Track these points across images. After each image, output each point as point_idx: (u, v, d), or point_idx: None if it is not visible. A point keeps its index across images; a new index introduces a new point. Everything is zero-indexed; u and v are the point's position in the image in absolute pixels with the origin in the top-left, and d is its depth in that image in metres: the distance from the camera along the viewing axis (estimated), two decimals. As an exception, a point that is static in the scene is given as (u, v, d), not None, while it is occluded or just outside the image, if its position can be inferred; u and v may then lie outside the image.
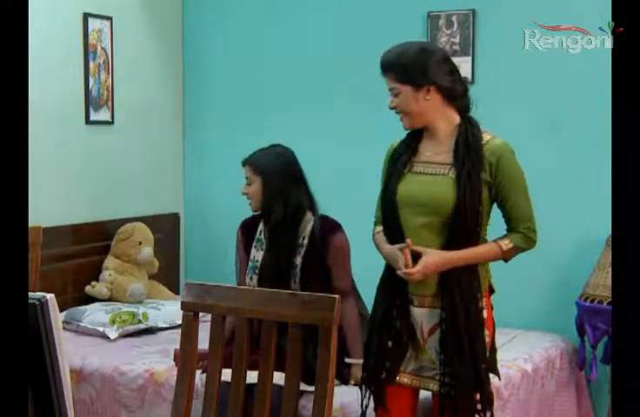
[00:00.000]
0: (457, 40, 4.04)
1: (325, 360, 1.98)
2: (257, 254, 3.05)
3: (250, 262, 3.06)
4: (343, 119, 4.33)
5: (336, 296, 2.03)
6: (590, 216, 3.88)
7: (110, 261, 4.10)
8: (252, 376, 2.17)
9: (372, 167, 4.38)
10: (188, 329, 2.23)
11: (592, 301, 3.62)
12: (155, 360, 3.38)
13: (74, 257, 3.95)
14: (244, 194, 3.06)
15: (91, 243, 4.09)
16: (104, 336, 3.66)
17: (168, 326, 3.84)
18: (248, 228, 3.11)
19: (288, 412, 2.05)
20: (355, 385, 2.97)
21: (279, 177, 2.99)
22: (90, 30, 4.09)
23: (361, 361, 2.92)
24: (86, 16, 4.07)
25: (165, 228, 4.50)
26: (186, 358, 2.22)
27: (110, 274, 4.05)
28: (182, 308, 2.25)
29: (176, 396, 2.23)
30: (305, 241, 2.98)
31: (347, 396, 2.90)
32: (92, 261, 4.08)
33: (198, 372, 2.37)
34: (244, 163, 3.07)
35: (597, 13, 3.46)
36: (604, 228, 3.73)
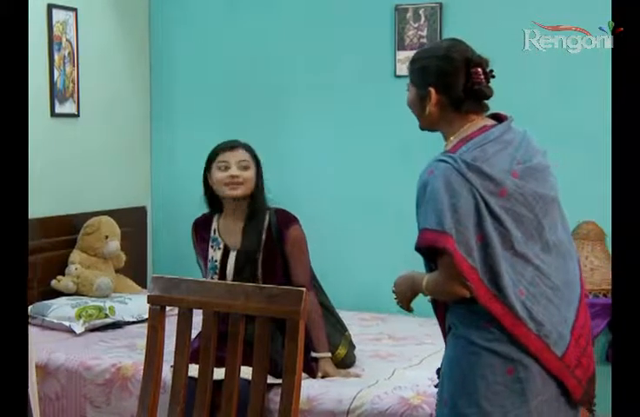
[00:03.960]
0: (425, 33, 4.05)
1: (292, 354, 1.99)
2: (215, 254, 3.00)
3: (209, 263, 3.00)
4: (308, 112, 4.33)
5: (303, 289, 2.03)
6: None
7: (76, 255, 4.06)
8: (219, 373, 2.16)
9: (341, 163, 4.39)
10: (155, 323, 2.22)
11: (558, 294, 3.65)
12: (122, 355, 3.35)
13: (40, 251, 3.91)
14: (234, 177, 2.91)
15: (57, 237, 4.05)
16: (70, 331, 3.63)
17: (135, 320, 3.82)
18: (201, 228, 3.06)
19: (255, 405, 2.04)
20: (323, 377, 2.97)
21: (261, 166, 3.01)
22: (54, 22, 4.04)
23: (328, 355, 2.92)
24: (50, 7, 4.02)
25: (132, 222, 4.47)
26: (153, 352, 2.21)
27: (76, 268, 4.02)
28: (149, 302, 2.25)
29: (142, 391, 2.23)
30: (263, 236, 2.95)
31: (314, 389, 2.90)
32: (58, 254, 4.04)
33: (166, 367, 2.35)
34: (237, 147, 2.96)
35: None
36: (571, 220, 3.74)
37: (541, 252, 2.08)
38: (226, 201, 2.99)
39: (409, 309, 2.27)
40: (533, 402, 2.05)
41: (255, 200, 2.95)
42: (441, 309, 2.20)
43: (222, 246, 2.98)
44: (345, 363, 3.08)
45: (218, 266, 2.97)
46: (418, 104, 2.22)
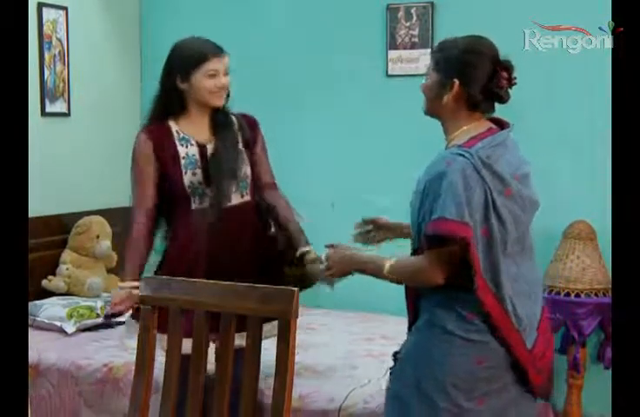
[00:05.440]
0: (416, 32, 4.05)
1: (284, 353, 1.98)
2: (190, 150, 2.78)
3: (183, 160, 2.76)
4: (298, 111, 4.32)
5: (295, 289, 2.02)
6: (548, 209, 3.91)
7: (67, 255, 4.05)
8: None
9: (332, 162, 4.39)
10: (146, 323, 2.22)
11: (550, 293, 3.66)
12: (113, 355, 3.35)
13: (30, 251, 3.84)
14: (223, 87, 2.77)
15: (48, 237, 4.03)
16: (62, 331, 3.62)
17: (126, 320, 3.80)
18: (157, 134, 2.78)
19: (247, 403, 2.04)
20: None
21: None
22: (44, 21, 4.02)
23: (311, 248, 2.83)
24: (41, 5, 4.01)
25: (123, 222, 4.42)
26: (144, 352, 2.21)
27: (67, 268, 4.01)
28: (140, 302, 2.24)
29: (133, 390, 2.22)
30: (239, 136, 2.84)
31: (306, 387, 2.90)
32: (49, 254, 4.03)
33: (157, 367, 2.34)
34: (224, 53, 2.78)
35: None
36: (562, 220, 3.78)
37: (521, 252, 2.20)
38: (201, 105, 2.81)
39: (332, 286, 2.40)
40: (493, 386, 2.16)
41: (227, 96, 2.84)
42: (412, 296, 2.28)
43: (193, 142, 2.79)
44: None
45: (198, 159, 2.77)
46: (436, 91, 2.23)
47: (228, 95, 2.85)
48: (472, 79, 2.18)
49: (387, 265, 2.21)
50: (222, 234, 2.74)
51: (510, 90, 2.22)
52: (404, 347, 2.28)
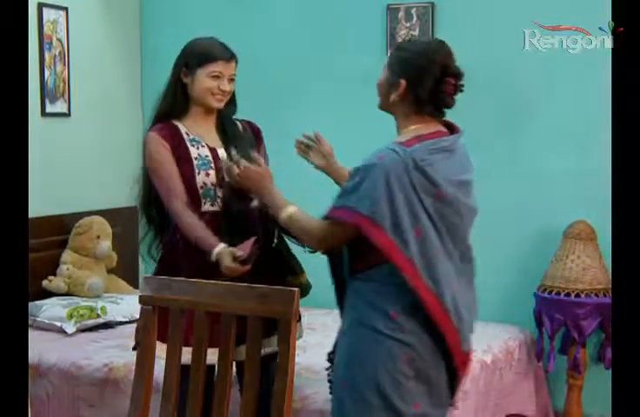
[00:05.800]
0: (417, 33, 4.05)
1: (285, 354, 1.98)
2: (201, 151, 2.74)
3: (195, 160, 2.71)
4: (299, 111, 4.32)
5: (296, 290, 2.02)
6: (549, 208, 3.92)
7: (67, 255, 4.05)
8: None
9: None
10: (146, 323, 2.21)
11: (550, 293, 3.66)
12: (113, 355, 3.35)
13: (31, 251, 3.82)
14: (224, 91, 2.76)
15: (49, 237, 4.03)
16: (62, 331, 3.62)
17: (127, 320, 3.81)
18: (167, 134, 2.72)
19: (249, 400, 2.04)
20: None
21: None
22: (45, 21, 4.02)
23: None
24: (41, 6, 4.01)
25: (124, 222, 4.45)
26: (144, 352, 2.21)
27: (67, 269, 4.00)
28: (140, 302, 2.24)
29: (134, 391, 2.22)
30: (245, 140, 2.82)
31: (306, 388, 2.90)
32: (49, 255, 4.03)
33: (157, 368, 2.34)
34: (233, 58, 2.78)
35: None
36: (562, 220, 3.78)
37: (460, 255, 2.25)
38: (201, 106, 2.78)
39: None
40: (425, 387, 2.22)
41: (234, 105, 2.86)
42: (340, 287, 2.34)
43: (204, 144, 2.76)
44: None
45: (211, 160, 2.72)
46: (386, 89, 2.32)
47: (234, 103, 2.85)
48: (418, 82, 2.25)
49: (288, 211, 2.33)
50: (231, 238, 2.63)
51: (455, 97, 2.29)
52: (336, 347, 2.32)
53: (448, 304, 2.17)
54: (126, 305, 3.85)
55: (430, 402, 2.23)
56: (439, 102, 2.27)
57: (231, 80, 2.79)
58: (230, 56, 2.77)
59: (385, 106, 2.35)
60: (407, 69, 2.26)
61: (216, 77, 2.74)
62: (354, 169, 2.25)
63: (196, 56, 2.76)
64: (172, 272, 2.54)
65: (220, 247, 2.55)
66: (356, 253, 2.28)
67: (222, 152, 2.74)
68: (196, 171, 2.70)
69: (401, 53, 2.30)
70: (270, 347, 2.46)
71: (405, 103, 2.28)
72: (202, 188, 2.69)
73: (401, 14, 4.08)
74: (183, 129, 2.76)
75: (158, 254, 2.80)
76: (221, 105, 2.78)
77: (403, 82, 2.25)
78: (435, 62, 2.25)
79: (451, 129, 2.34)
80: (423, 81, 2.24)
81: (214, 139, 2.79)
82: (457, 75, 2.29)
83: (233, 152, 2.64)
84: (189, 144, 2.73)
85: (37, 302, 3.77)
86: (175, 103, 2.78)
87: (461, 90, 2.30)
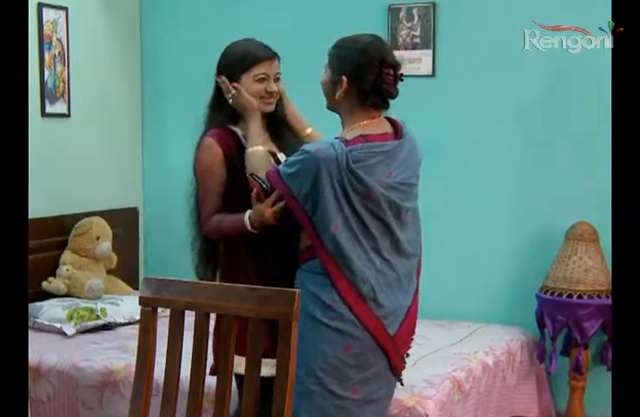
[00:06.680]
0: (418, 33, 4.04)
1: (285, 355, 1.97)
2: None
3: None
4: (299, 111, 4.30)
5: (297, 290, 2.01)
6: (551, 210, 3.91)
7: (67, 256, 4.04)
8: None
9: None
10: (146, 325, 2.20)
11: (552, 294, 3.65)
12: (113, 357, 3.34)
13: (30, 252, 3.82)
14: (272, 93, 2.64)
15: (48, 238, 4.02)
16: (62, 332, 3.61)
17: (127, 321, 3.80)
18: (225, 140, 2.60)
19: (248, 403, 2.03)
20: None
21: None
22: (44, 21, 4.01)
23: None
24: (41, 6, 4.00)
25: (124, 223, 4.44)
26: (145, 354, 2.19)
27: (67, 270, 3.99)
28: (140, 304, 2.23)
29: (134, 393, 2.21)
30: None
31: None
32: (49, 256, 4.02)
33: (158, 368, 2.32)
34: (276, 57, 2.69)
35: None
36: (564, 221, 3.77)
37: (389, 248, 2.37)
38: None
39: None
40: (366, 374, 2.34)
41: (280, 114, 2.72)
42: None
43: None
44: None
45: (274, 163, 2.54)
46: (329, 88, 2.43)
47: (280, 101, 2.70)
48: (359, 76, 2.35)
49: (254, 148, 2.49)
50: (277, 250, 2.53)
51: (397, 87, 2.38)
52: None
53: (366, 292, 2.31)
54: (126, 306, 3.84)
55: (371, 388, 2.35)
56: (383, 93, 2.37)
57: (277, 79, 2.69)
58: (271, 55, 2.67)
59: (332, 105, 2.45)
60: (346, 65, 2.37)
61: (262, 80, 2.63)
62: (300, 149, 2.36)
63: (237, 61, 2.65)
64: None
65: (248, 212, 2.46)
66: (299, 244, 2.42)
67: (282, 156, 2.61)
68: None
69: (339, 51, 2.42)
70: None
71: (350, 99, 2.38)
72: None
73: (402, 14, 4.07)
74: (239, 132, 2.64)
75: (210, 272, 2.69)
76: (272, 108, 2.65)
77: (344, 78, 2.36)
78: (372, 56, 2.35)
79: (397, 130, 2.43)
80: (364, 75, 2.35)
81: (268, 142, 2.65)
82: (395, 66, 2.38)
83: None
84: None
85: (37, 303, 3.76)
86: (224, 109, 2.66)
87: (401, 79, 2.39)
